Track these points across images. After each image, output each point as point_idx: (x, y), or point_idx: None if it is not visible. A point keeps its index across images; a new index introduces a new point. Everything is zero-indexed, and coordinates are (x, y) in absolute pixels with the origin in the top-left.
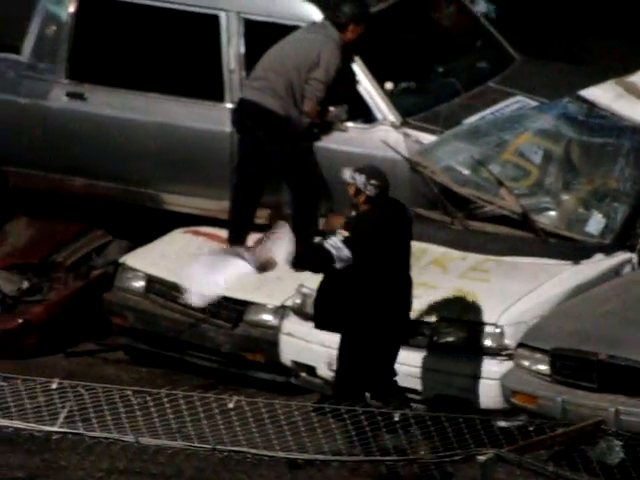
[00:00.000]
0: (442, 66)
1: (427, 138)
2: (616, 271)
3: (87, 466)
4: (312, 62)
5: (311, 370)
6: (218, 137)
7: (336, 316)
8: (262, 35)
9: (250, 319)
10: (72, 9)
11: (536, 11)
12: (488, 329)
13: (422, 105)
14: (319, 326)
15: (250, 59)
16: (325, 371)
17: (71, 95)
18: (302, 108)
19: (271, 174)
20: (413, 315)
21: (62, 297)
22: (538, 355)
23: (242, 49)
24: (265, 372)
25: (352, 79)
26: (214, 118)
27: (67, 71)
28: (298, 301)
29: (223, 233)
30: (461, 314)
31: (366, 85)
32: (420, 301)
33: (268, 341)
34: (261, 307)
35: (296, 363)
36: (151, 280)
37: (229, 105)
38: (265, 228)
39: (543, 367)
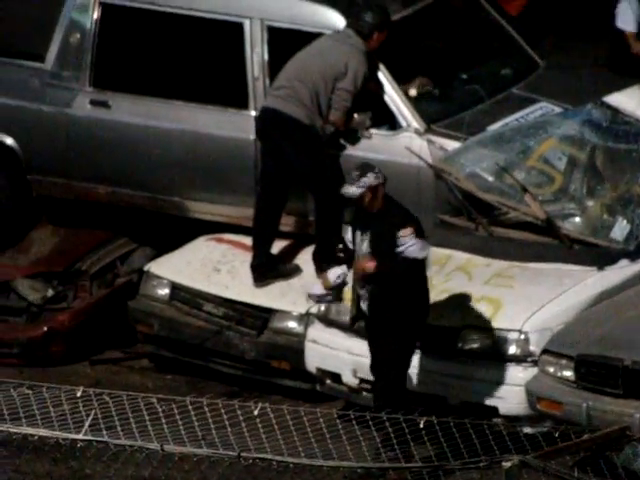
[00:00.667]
0: (466, 73)
1: (451, 145)
2: None
3: (112, 474)
4: (339, 72)
5: (336, 377)
6: (242, 144)
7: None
8: (286, 42)
9: (275, 326)
10: (96, 16)
11: (566, 15)
12: (513, 335)
13: (446, 112)
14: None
15: (274, 66)
16: (350, 378)
17: (95, 103)
18: (327, 117)
19: (295, 182)
20: (439, 322)
21: (87, 305)
22: (563, 361)
23: (266, 56)
24: (290, 379)
25: (376, 87)
26: (238, 125)
27: (91, 79)
28: (323, 308)
29: (247, 240)
30: (486, 321)
31: (390, 92)
32: (445, 308)
33: (293, 348)
34: (286, 314)
35: (321, 370)
36: (175, 287)
37: (253, 113)
38: (291, 236)
39: (568, 373)
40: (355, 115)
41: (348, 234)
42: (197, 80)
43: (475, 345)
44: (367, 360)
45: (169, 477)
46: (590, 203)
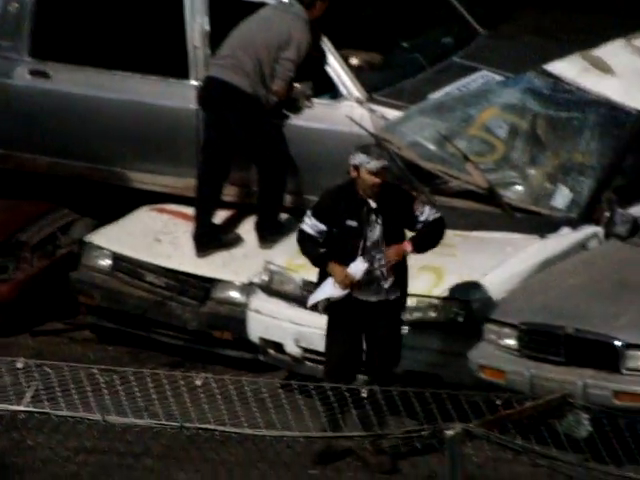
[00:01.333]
0: (407, 41)
1: (392, 113)
2: (583, 245)
3: (54, 445)
4: (283, 41)
5: (279, 347)
6: (183, 114)
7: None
8: (227, 12)
9: (217, 296)
10: None
11: None
12: (456, 304)
13: (387, 80)
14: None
15: (215, 36)
16: (293, 348)
17: (35, 73)
18: (270, 86)
19: (238, 152)
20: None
21: (28, 276)
22: (506, 330)
23: (207, 26)
24: (233, 349)
25: (318, 55)
26: (179, 95)
27: (30, 49)
28: (265, 278)
29: (189, 211)
30: (429, 290)
31: (331, 61)
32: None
33: (235, 318)
34: (228, 284)
35: (264, 340)
36: (117, 258)
37: (194, 82)
38: (233, 206)
39: (511, 342)
40: (296, 84)
41: (317, 227)
42: (137, 50)
43: (418, 314)
44: (309, 329)
45: (112, 448)
46: (532, 171)
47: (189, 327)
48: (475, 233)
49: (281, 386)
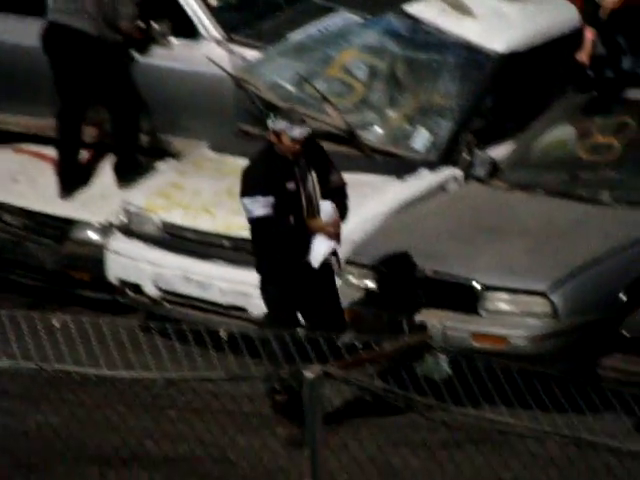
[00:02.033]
0: None
1: (252, 54)
2: (441, 187)
3: None
4: None
5: (137, 288)
6: (39, 52)
7: None
8: None
9: (75, 237)
10: None
11: None
12: None
13: (246, 21)
14: None
15: None
16: (151, 289)
17: None
18: (120, 27)
19: (91, 93)
20: (239, 233)
21: None
22: (364, 272)
23: None
24: (91, 290)
25: None
26: (34, 34)
27: None
28: (124, 219)
29: (47, 151)
30: None
31: (190, 1)
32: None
33: (93, 259)
34: (86, 225)
35: (122, 281)
36: None
37: None
38: (94, 146)
39: (370, 284)
40: (154, 24)
41: (267, 201)
42: None
43: None
44: (168, 271)
45: None
46: (391, 113)
47: (47, 267)
48: None
49: (140, 328)
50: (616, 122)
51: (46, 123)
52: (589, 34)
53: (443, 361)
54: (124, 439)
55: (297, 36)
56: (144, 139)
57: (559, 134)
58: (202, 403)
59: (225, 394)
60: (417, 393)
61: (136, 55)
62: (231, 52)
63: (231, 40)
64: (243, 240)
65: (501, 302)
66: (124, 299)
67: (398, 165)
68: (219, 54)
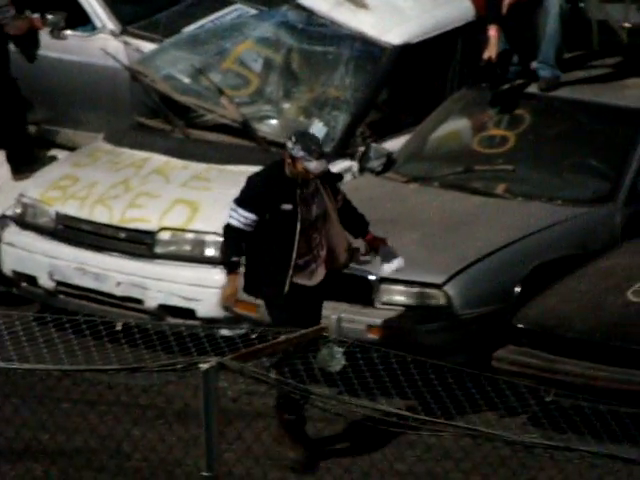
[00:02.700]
0: None
1: (147, 46)
2: None
3: None
4: None
5: (32, 280)
6: None
7: None
8: None
9: None
10: None
11: None
12: (210, 238)
13: (142, 13)
14: None
15: None
16: (47, 281)
17: None
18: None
19: None
20: (134, 225)
21: None
22: None
23: None
24: None
25: None
26: None
27: None
28: (19, 211)
29: None
30: (184, 223)
31: None
32: (142, 211)
33: None
34: None
35: (17, 273)
36: None
37: None
38: None
39: None
40: (49, 16)
41: (248, 218)
42: None
43: (173, 248)
44: (63, 262)
45: None
46: (286, 105)
47: None
48: (230, 167)
49: (34, 319)
50: (511, 116)
51: None
52: (492, 32)
53: (338, 353)
54: (18, 432)
55: (192, 28)
56: (41, 130)
57: (454, 127)
58: (97, 395)
59: (120, 386)
60: (312, 384)
61: (30, 47)
62: (127, 44)
63: (127, 32)
64: (138, 232)
65: (396, 294)
66: (19, 291)
67: None
68: (114, 46)
